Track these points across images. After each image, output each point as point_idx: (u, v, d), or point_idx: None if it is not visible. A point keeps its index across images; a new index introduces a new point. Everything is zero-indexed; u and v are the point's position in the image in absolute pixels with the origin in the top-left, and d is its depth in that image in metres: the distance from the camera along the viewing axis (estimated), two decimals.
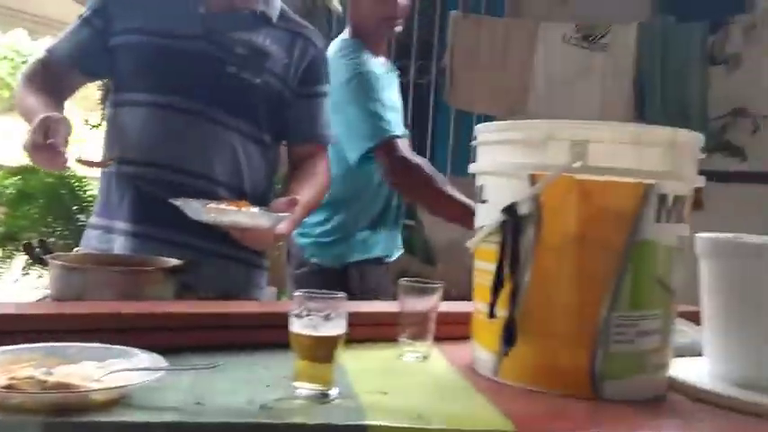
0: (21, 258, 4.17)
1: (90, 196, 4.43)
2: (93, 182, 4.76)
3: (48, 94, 1.54)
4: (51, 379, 0.75)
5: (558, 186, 1.00)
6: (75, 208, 4.27)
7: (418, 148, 4.93)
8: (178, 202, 1.38)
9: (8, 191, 4.24)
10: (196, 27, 1.58)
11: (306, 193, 1.58)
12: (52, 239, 4.27)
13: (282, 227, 1.46)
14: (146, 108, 1.56)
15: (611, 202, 1.00)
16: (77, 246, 2.77)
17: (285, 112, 1.66)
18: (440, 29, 4.81)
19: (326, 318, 0.90)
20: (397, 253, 2.29)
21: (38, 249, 1.35)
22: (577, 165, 0.98)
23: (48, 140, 1.31)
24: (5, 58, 10.50)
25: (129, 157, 1.57)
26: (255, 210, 1.42)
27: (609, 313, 0.99)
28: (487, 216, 1.08)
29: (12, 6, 5.79)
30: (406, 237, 4.17)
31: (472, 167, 1.16)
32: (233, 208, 1.39)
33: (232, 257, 1.61)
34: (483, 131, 1.15)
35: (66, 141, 1.35)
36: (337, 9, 3.72)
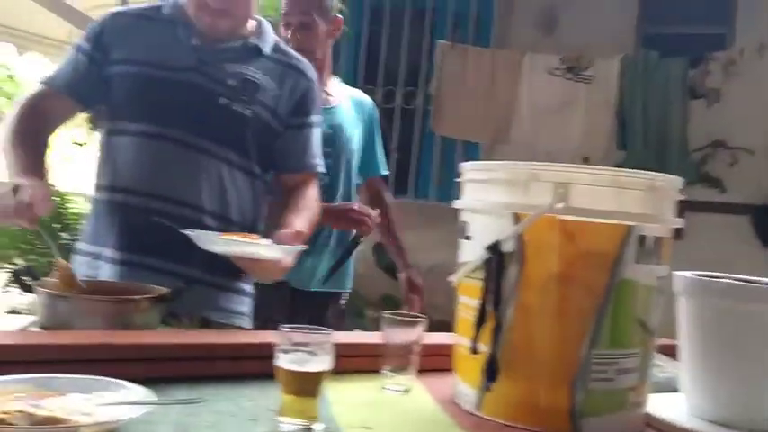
0: (2, 276, 4.14)
1: (72, 214, 4.42)
2: (75, 198, 4.75)
3: (33, 149, 1.55)
4: (40, 413, 0.76)
5: (541, 226, 1.02)
6: (56, 226, 4.26)
7: (403, 173, 4.98)
8: (189, 233, 1.39)
9: None
10: (189, 59, 1.60)
11: (303, 224, 1.60)
12: (33, 257, 4.25)
13: (289, 259, 1.48)
14: (137, 137, 1.58)
15: (593, 242, 1.03)
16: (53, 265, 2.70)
17: (275, 143, 1.68)
18: (428, 56, 4.87)
19: (312, 353, 0.92)
20: (318, 284, 2.23)
21: (25, 276, 1.35)
22: (560, 206, 1.01)
23: (17, 206, 1.32)
24: None
25: (120, 186, 1.59)
26: (267, 242, 1.44)
27: (589, 351, 1.01)
28: (471, 252, 1.10)
29: (0, 22, 5.78)
30: (389, 261, 4.20)
31: (457, 204, 1.18)
32: (245, 239, 1.41)
33: (215, 285, 1.63)
34: (468, 170, 1.18)
35: (41, 207, 1.36)
36: None
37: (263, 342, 1.13)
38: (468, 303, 1.10)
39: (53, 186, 1.39)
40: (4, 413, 0.75)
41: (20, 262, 4.24)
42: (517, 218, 1.04)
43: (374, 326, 3.90)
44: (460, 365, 1.13)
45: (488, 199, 1.11)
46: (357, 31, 4.87)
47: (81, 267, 1.62)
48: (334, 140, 2.16)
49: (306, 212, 1.64)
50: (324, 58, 2.19)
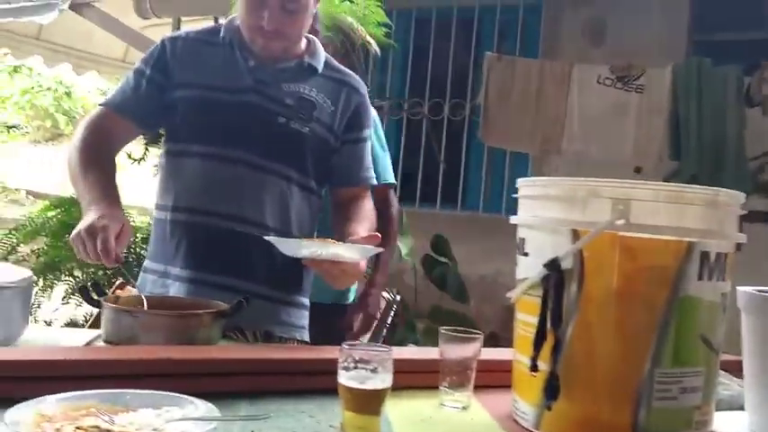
0: (61, 287, 4.26)
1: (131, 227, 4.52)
2: (130, 211, 4.87)
3: (104, 174, 1.57)
4: (115, 428, 0.79)
5: (600, 242, 1.02)
6: None
7: (451, 185, 4.98)
8: (273, 240, 1.42)
9: (51, 222, 4.36)
10: (246, 80, 1.64)
11: (363, 231, 1.62)
12: (92, 269, 4.36)
13: (363, 263, 1.49)
14: (199, 158, 1.62)
15: (654, 259, 1.01)
16: (115, 276, 2.73)
17: (331, 158, 1.71)
18: (474, 67, 4.87)
19: (373, 370, 0.93)
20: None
21: (92, 291, 1.40)
22: (621, 222, 1.00)
23: (99, 247, 1.35)
24: (49, 89, 10.81)
25: (183, 205, 1.63)
26: (343, 243, 1.45)
27: (651, 369, 1.00)
28: (529, 269, 1.10)
29: (59, 42, 5.99)
30: (439, 273, 4.20)
31: (513, 219, 1.18)
32: (326, 242, 1.44)
33: (277, 299, 1.66)
34: (524, 185, 1.18)
35: (123, 244, 1.40)
36: (375, 50, 3.78)
37: (325, 357, 1.15)
38: (526, 320, 1.10)
39: (127, 214, 1.41)
40: (80, 429, 0.78)
41: (79, 274, 4.35)
42: (576, 234, 1.04)
43: (426, 338, 3.89)
44: (519, 383, 1.13)
45: (546, 215, 1.11)
46: (404, 44, 4.90)
47: (149, 285, 1.68)
48: None
49: (366, 222, 1.66)
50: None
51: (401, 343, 3.49)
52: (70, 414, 0.86)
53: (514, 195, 1.20)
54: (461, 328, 1.20)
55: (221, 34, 1.70)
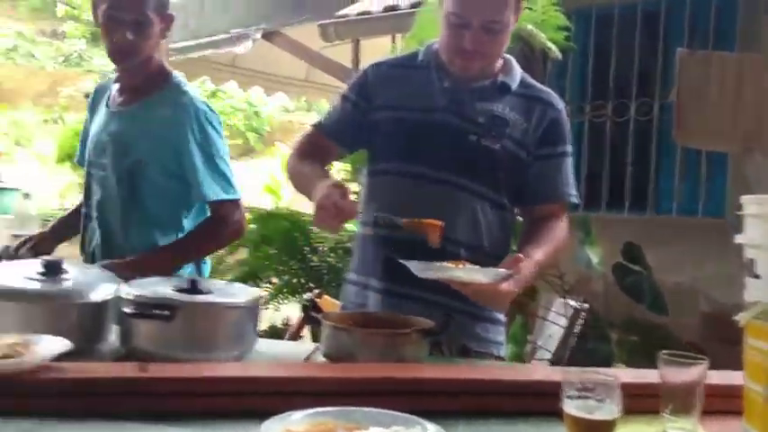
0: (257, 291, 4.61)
1: (320, 238, 4.79)
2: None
3: (320, 166, 1.74)
4: None
5: None
6: (306, 249, 4.63)
7: (641, 188, 4.75)
8: (406, 262, 1.49)
9: (251, 234, 4.71)
10: (441, 100, 1.69)
11: (539, 252, 1.61)
12: (286, 277, 4.66)
13: (508, 285, 1.49)
14: (396, 176, 1.71)
15: None
16: (309, 284, 2.81)
17: (524, 175, 1.71)
18: (663, 64, 4.62)
19: (600, 400, 0.92)
20: None
21: (311, 310, 1.50)
22: None
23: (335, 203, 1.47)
24: (240, 109, 11.70)
25: (376, 220, 1.71)
26: (474, 267, 1.49)
27: None
28: (761, 292, 1.04)
29: (251, 68, 6.50)
30: (633, 282, 4.02)
31: (739, 239, 1.12)
32: (451, 265, 1.48)
33: (473, 314, 1.69)
34: (752, 203, 1.11)
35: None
36: (557, 55, 3.72)
37: (546, 380, 1.15)
38: (758, 347, 1.03)
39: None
40: None
41: (276, 281, 4.66)
42: None
43: (620, 350, 3.72)
44: (752, 413, 1.06)
45: None
46: (583, 45, 4.75)
47: (351, 296, 1.79)
48: None
49: (546, 244, 1.64)
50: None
51: (593, 354, 3.39)
52: (312, 430, 0.94)
53: (739, 213, 1.13)
54: (682, 353, 1.15)
55: (419, 58, 1.76)
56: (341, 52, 5.77)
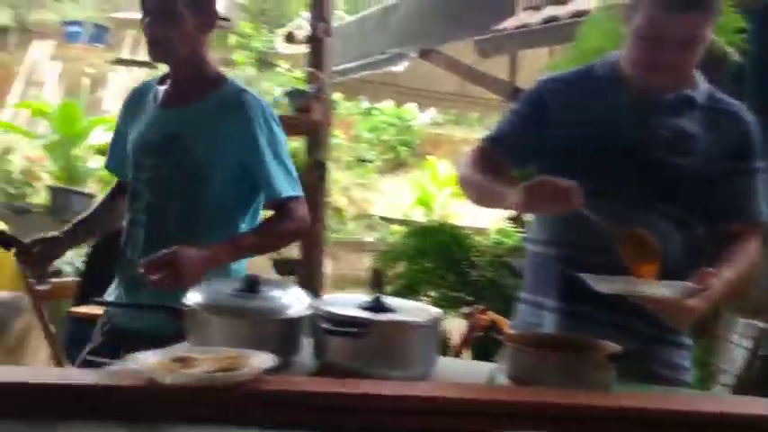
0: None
1: (478, 251, 4.79)
2: (476, 237, 5.16)
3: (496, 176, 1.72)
4: None
5: None
6: (464, 263, 4.66)
7: None
8: (585, 276, 1.46)
9: (408, 249, 4.81)
10: (621, 115, 1.65)
11: (730, 270, 1.54)
12: (443, 290, 4.70)
13: (695, 301, 1.43)
14: None
15: None
16: (468, 298, 2.78)
17: (712, 193, 1.64)
18: None
19: None
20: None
21: (491, 330, 1.52)
22: None
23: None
24: (392, 125, 11.97)
25: (553, 240, 1.71)
26: (656, 281, 1.44)
27: None
28: None
29: (406, 85, 6.67)
30: None
31: None
32: (633, 278, 1.44)
33: (658, 338, 1.63)
34: None
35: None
36: (736, 59, 3.50)
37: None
38: None
39: None
40: None
41: (434, 294, 4.71)
42: None
43: None
44: None
45: None
46: (761, 46, 4.43)
47: (525, 316, 1.78)
48: None
49: (737, 264, 1.58)
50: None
51: None
52: None
53: None
54: None
55: (597, 72, 1.73)
56: (495, 65, 5.75)
